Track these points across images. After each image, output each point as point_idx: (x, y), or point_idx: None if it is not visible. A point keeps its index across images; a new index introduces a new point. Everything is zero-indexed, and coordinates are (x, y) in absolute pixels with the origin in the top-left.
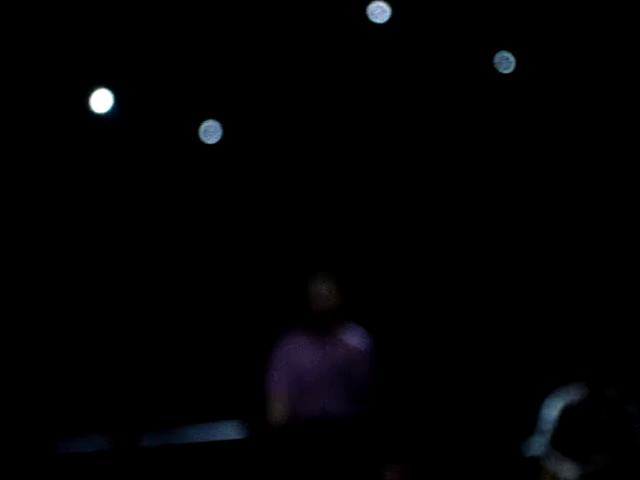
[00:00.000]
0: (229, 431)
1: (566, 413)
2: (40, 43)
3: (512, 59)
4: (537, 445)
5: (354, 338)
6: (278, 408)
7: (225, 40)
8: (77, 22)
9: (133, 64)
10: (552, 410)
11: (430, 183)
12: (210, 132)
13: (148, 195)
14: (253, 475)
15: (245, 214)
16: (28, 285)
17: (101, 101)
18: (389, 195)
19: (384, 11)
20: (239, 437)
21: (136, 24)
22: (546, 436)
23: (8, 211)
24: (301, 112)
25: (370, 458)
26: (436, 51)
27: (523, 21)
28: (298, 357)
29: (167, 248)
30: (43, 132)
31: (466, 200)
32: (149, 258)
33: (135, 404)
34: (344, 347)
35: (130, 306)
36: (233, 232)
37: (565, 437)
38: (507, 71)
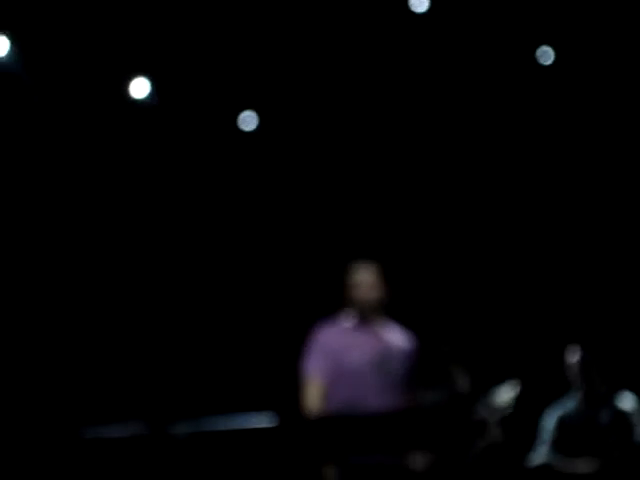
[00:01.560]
0: (261, 420)
1: (564, 420)
2: (79, 30)
3: (552, 52)
4: (539, 455)
5: (394, 333)
6: (313, 394)
7: (262, 29)
8: (116, 9)
9: (171, 51)
10: (550, 418)
11: (473, 175)
12: (247, 121)
13: (183, 182)
14: (284, 463)
15: (283, 201)
16: (58, 270)
17: (140, 88)
18: (428, 184)
19: (422, 2)
20: (271, 425)
21: (175, 12)
22: (546, 445)
23: (45, 192)
24: (341, 101)
25: (401, 451)
26: (476, 42)
27: (563, 14)
28: (337, 344)
29: (202, 234)
30: (83, 118)
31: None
32: (184, 243)
33: (168, 393)
34: (384, 340)
35: (165, 291)
36: (271, 218)
37: (566, 443)
38: (547, 63)
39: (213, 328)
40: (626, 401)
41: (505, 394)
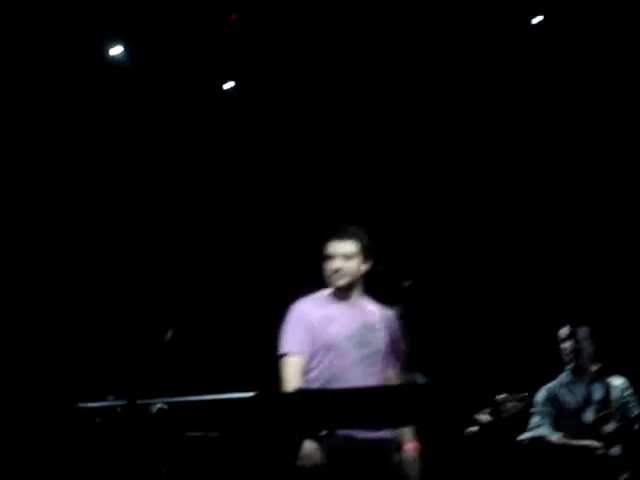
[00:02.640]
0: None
1: (554, 394)
2: None
3: None
4: (529, 429)
5: (372, 307)
6: (292, 368)
7: None
8: None
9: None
10: (541, 393)
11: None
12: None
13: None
14: (263, 437)
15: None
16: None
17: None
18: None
19: None
20: (250, 396)
21: None
22: (537, 418)
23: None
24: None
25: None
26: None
27: None
28: (316, 318)
29: (182, 208)
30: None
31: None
32: (163, 219)
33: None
34: (363, 313)
35: (147, 268)
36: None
37: (558, 417)
38: None
39: (193, 308)
40: (616, 379)
41: (511, 406)
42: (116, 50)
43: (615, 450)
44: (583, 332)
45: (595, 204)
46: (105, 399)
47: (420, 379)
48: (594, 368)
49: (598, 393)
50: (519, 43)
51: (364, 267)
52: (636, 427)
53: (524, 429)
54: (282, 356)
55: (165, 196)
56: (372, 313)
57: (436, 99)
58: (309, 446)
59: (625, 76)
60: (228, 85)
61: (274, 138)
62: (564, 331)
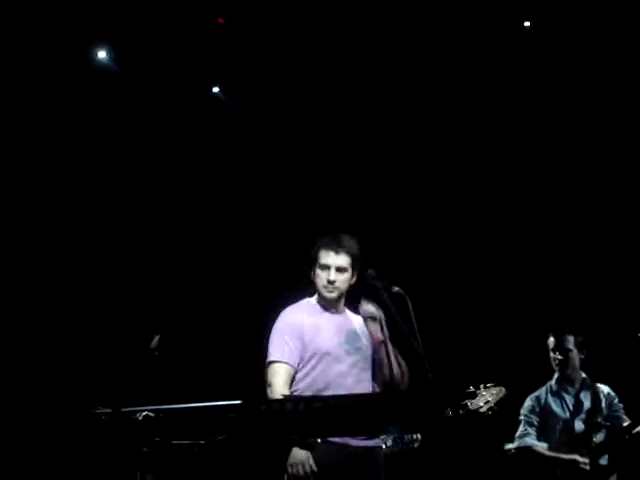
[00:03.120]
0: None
1: (540, 402)
2: None
3: None
4: (516, 438)
5: (355, 317)
6: (280, 377)
7: None
8: None
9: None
10: (528, 401)
11: None
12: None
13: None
14: (252, 441)
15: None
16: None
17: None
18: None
19: None
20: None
21: None
22: (523, 426)
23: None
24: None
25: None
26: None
27: None
28: (306, 326)
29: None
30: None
31: None
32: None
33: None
34: (352, 322)
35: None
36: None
37: (544, 425)
38: None
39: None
40: (604, 388)
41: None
42: (102, 54)
43: (602, 459)
44: (571, 341)
45: (586, 210)
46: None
47: None
48: (581, 376)
49: (587, 402)
50: (517, 43)
51: (353, 279)
52: (626, 437)
53: (510, 437)
54: (270, 363)
55: (151, 202)
56: (354, 321)
57: (426, 98)
58: (299, 454)
59: (622, 74)
60: (216, 89)
61: (261, 141)
62: (552, 340)
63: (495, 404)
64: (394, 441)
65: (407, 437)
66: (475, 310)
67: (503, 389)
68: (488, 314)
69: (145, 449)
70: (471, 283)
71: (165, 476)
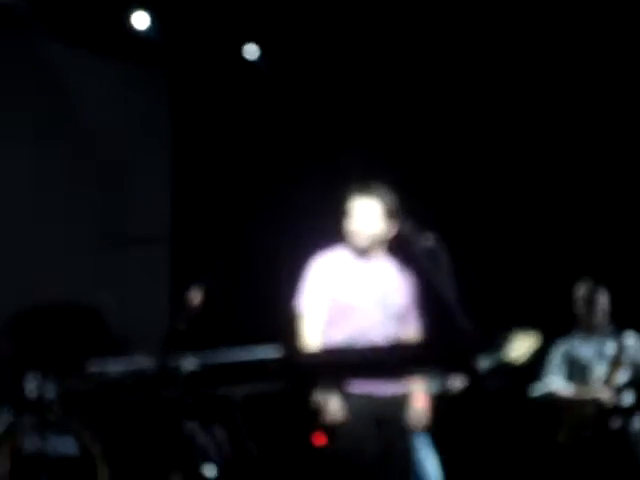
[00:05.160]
0: (266, 352)
1: (569, 352)
2: None
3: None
4: (543, 385)
5: (393, 268)
6: (311, 328)
7: None
8: None
9: None
10: (556, 351)
11: None
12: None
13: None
14: (288, 395)
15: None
16: None
17: (141, 20)
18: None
19: None
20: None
21: None
22: (552, 376)
23: None
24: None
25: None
26: None
27: None
28: (335, 278)
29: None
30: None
31: None
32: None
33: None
34: (383, 274)
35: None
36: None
37: (573, 374)
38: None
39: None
40: (629, 338)
41: (522, 348)
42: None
43: (627, 400)
44: (601, 291)
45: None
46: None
47: None
48: (608, 326)
49: (611, 349)
50: (516, 41)
51: (388, 229)
52: None
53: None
54: (301, 313)
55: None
56: (392, 273)
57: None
58: (334, 403)
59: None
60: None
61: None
62: (582, 289)
63: (528, 352)
64: (437, 385)
65: (449, 382)
66: (506, 254)
67: (535, 335)
68: (517, 258)
69: (190, 400)
70: (500, 228)
71: (210, 426)
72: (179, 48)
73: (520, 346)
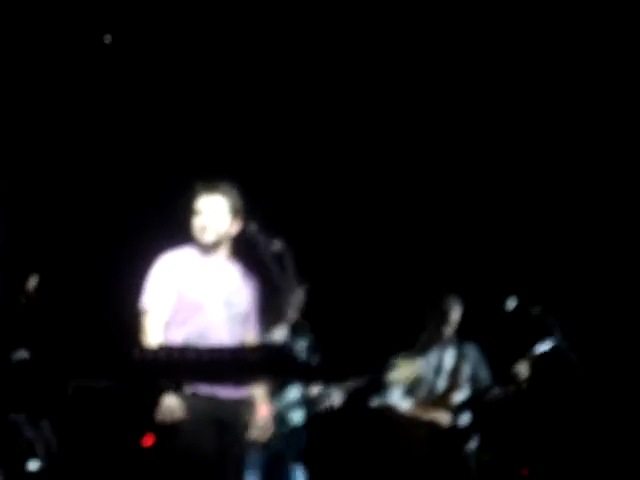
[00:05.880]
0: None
1: None
2: None
3: None
4: (384, 392)
5: (237, 269)
6: (154, 325)
7: None
8: None
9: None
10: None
11: None
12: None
13: None
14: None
15: None
16: None
17: None
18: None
19: None
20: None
21: None
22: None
23: None
24: None
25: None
26: None
27: None
28: (181, 273)
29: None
30: None
31: None
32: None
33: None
34: (229, 274)
35: None
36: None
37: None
38: None
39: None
40: (469, 347)
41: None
42: None
43: (463, 420)
44: (453, 300)
45: None
46: None
47: (302, 343)
48: (449, 335)
49: (450, 361)
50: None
51: (233, 226)
52: (486, 398)
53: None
54: (143, 310)
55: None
56: (237, 274)
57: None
58: (171, 401)
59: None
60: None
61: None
62: (438, 299)
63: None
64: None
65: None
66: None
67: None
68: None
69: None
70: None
71: (38, 419)
72: None
73: (403, 370)
